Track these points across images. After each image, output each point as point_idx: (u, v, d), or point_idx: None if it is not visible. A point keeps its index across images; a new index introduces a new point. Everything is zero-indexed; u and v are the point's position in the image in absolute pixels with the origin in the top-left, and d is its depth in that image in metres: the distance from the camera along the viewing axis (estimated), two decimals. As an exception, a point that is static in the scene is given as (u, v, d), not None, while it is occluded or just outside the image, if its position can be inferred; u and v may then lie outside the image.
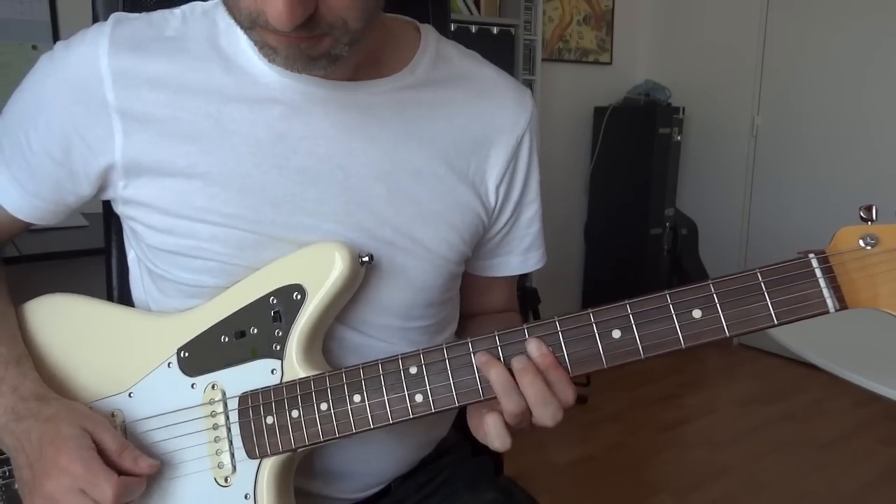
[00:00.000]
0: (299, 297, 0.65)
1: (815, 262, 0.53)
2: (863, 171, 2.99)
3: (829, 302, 0.53)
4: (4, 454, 0.67)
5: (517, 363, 0.59)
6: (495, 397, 0.60)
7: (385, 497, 0.80)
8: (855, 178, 3.00)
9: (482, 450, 0.89)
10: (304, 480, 0.72)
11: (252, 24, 0.58)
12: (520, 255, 0.83)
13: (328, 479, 0.74)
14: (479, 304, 0.87)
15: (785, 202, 3.28)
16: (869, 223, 0.53)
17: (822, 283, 0.53)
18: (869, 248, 0.52)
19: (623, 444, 2.54)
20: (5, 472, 0.69)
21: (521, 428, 0.62)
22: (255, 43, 0.61)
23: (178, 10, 0.70)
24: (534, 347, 0.59)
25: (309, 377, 0.64)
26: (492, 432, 0.60)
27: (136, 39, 0.66)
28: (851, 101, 3.02)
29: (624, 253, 3.51)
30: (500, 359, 0.59)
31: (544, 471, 2.32)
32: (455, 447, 0.89)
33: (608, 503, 2.19)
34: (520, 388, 0.59)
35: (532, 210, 0.81)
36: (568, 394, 0.60)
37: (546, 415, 0.59)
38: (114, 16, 0.68)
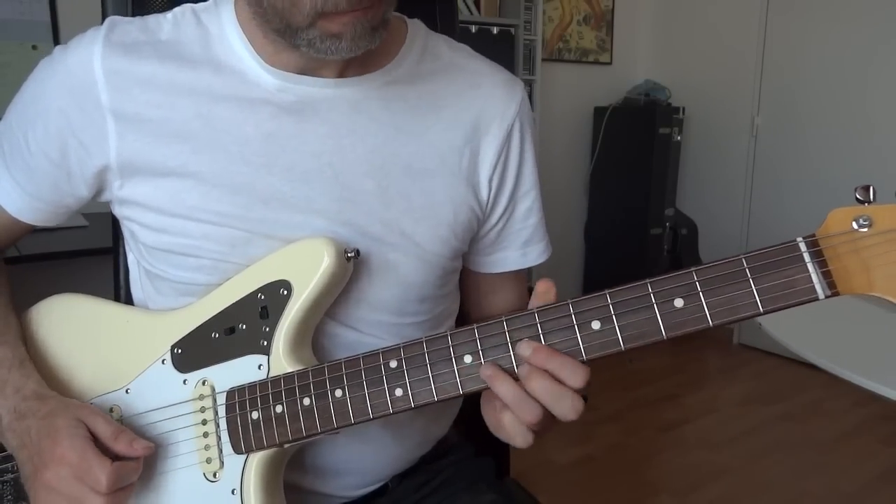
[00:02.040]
0: (285, 292, 0.65)
1: (803, 246, 0.50)
2: (863, 171, 2.98)
3: (819, 288, 0.49)
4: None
5: (521, 371, 0.57)
6: (475, 392, 0.59)
7: (382, 496, 0.79)
8: (855, 178, 2.99)
9: (485, 451, 0.89)
10: (298, 476, 0.72)
11: (314, 20, 0.58)
12: (518, 250, 0.82)
13: (322, 475, 0.74)
14: (488, 304, 0.86)
15: (785, 202, 3.28)
16: (865, 204, 0.49)
17: (810, 267, 0.49)
18: (863, 230, 0.48)
19: (623, 444, 2.54)
20: (13, 467, 0.70)
21: (546, 426, 0.59)
22: (311, 42, 0.60)
23: (169, 14, 0.70)
24: (524, 348, 0.57)
25: (292, 372, 0.64)
26: (510, 429, 0.59)
27: (130, 42, 0.67)
28: (851, 101, 3.01)
29: (624, 253, 3.51)
30: (479, 352, 0.58)
31: (544, 471, 2.32)
32: (457, 448, 0.88)
33: (608, 503, 2.18)
34: (531, 394, 0.56)
35: (528, 202, 0.80)
36: (577, 376, 0.55)
37: (565, 408, 0.56)
38: (109, 19, 0.69)
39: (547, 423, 0.58)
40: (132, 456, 0.63)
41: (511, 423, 0.58)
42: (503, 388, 0.57)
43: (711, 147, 3.58)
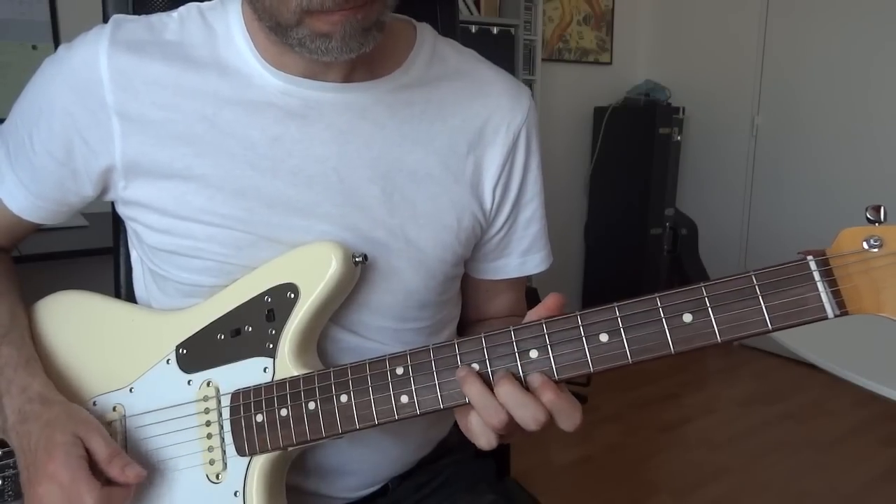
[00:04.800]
0: (293, 296, 0.65)
1: (813, 265, 0.49)
2: (864, 171, 2.99)
3: (829, 307, 0.49)
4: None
5: (495, 376, 0.57)
6: None
7: (382, 497, 0.79)
8: (856, 178, 3.00)
9: (485, 452, 0.89)
10: (300, 478, 0.72)
11: (301, 18, 0.58)
12: (518, 258, 0.82)
13: (324, 477, 0.74)
14: (485, 309, 0.86)
15: (785, 202, 3.28)
16: (876, 224, 0.49)
17: (820, 287, 0.49)
18: (874, 250, 0.48)
19: (623, 444, 2.54)
20: (15, 463, 0.70)
21: (511, 432, 0.59)
22: (302, 41, 0.60)
23: (175, 13, 0.70)
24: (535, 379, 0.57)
25: (298, 376, 0.64)
26: (475, 430, 0.59)
27: (135, 41, 0.67)
28: (852, 101, 3.01)
29: (624, 253, 3.51)
30: (485, 361, 0.58)
31: (544, 471, 2.32)
32: (457, 448, 0.88)
33: (608, 503, 2.18)
34: (497, 398, 0.56)
35: (530, 210, 0.80)
36: (547, 389, 0.55)
37: (527, 417, 0.56)
38: (114, 18, 0.69)
39: (512, 429, 0.58)
40: (123, 482, 0.63)
41: (477, 425, 0.58)
42: (472, 389, 0.57)
43: (711, 147, 3.58)
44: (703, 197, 3.62)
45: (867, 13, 2.92)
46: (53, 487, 0.61)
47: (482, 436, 0.59)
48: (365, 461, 0.76)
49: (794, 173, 3.24)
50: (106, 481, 0.63)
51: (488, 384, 0.57)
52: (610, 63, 3.71)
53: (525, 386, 0.56)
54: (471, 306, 0.86)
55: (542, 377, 0.56)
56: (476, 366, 0.58)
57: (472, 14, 3.05)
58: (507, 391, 0.56)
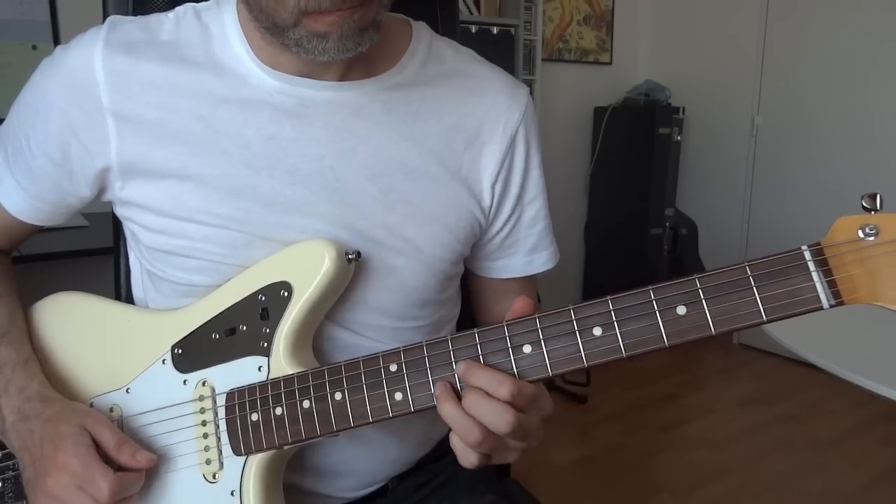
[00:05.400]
0: (286, 294, 0.65)
1: (808, 255, 0.49)
2: (864, 171, 2.98)
3: (823, 297, 0.48)
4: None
5: (462, 392, 0.57)
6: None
7: (382, 497, 0.79)
8: (856, 178, 3.00)
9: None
10: (298, 477, 0.72)
11: (299, 18, 0.58)
12: (524, 257, 0.82)
13: (323, 476, 0.74)
14: (495, 309, 0.86)
15: (785, 202, 3.28)
16: (872, 213, 0.48)
17: (815, 276, 0.48)
18: (869, 239, 0.47)
19: (623, 444, 2.54)
20: (15, 465, 0.70)
21: (497, 450, 0.59)
22: (299, 41, 0.60)
23: (171, 14, 0.70)
24: (459, 367, 0.57)
25: (293, 374, 0.64)
26: (457, 448, 0.58)
27: (131, 42, 0.67)
28: (851, 100, 3.01)
29: (624, 253, 3.51)
30: (479, 358, 0.58)
31: (544, 471, 2.32)
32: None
33: (608, 503, 2.18)
34: (468, 412, 0.56)
35: (534, 209, 0.80)
36: (504, 388, 0.55)
37: (497, 421, 0.55)
38: (110, 19, 0.69)
39: (494, 445, 0.57)
40: (134, 467, 0.63)
41: (457, 444, 0.58)
42: (446, 409, 0.57)
43: (711, 147, 3.58)
44: (703, 197, 3.62)
45: (867, 14, 2.92)
46: (65, 477, 0.61)
47: (463, 455, 0.58)
48: (364, 461, 0.76)
49: (794, 173, 3.24)
50: (117, 469, 0.62)
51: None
52: (610, 63, 3.71)
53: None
54: (480, 307, 0.86)
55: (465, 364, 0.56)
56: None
57: (472, 14, 3.05)
58: (474, 401, 0.55)
